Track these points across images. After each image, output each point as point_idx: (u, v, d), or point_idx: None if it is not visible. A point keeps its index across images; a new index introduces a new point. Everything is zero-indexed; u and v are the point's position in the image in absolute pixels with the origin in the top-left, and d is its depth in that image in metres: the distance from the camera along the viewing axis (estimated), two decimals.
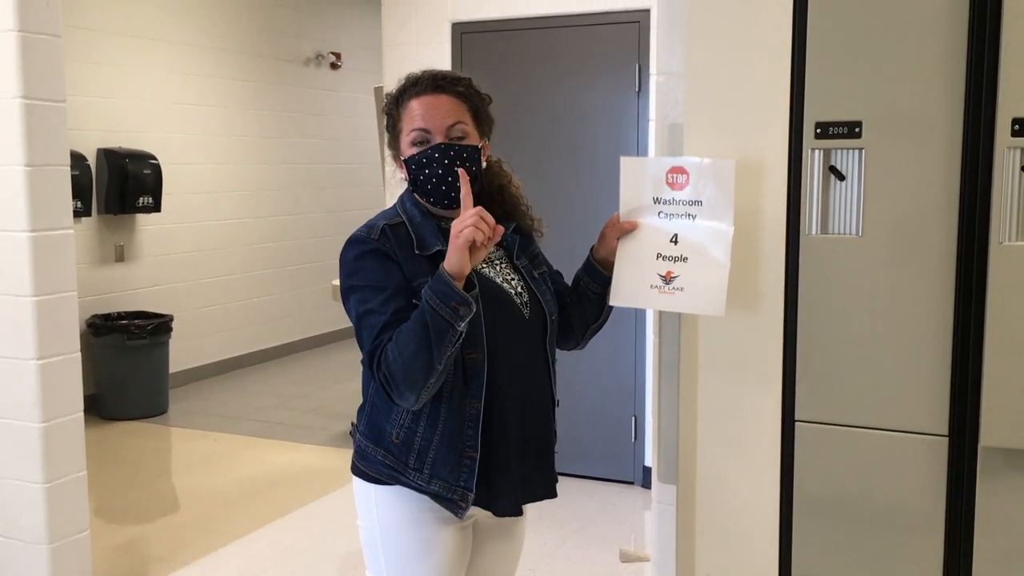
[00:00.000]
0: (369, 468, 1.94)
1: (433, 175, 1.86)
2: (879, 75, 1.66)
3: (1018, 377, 1.61)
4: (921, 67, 1.64)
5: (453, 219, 1.93)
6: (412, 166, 1.88)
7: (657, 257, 1.84)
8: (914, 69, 1.64)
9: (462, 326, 1.74)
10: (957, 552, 1.71)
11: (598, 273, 2.01)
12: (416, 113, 1.88)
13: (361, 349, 1.84)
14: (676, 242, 1.83)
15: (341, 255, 1.89)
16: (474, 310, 1.75)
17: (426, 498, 1.89)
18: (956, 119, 1.63)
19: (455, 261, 1.73)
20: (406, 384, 1.76)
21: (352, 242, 1.88)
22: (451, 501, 1.88)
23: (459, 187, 1.85)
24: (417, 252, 1.86)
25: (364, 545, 2.01)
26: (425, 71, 1.93)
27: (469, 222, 1.73)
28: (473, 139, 1.91)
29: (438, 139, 1.87)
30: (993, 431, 1.64)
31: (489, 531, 2.05)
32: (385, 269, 1.84)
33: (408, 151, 1.89)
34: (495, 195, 2.03)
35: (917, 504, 1.72)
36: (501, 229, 1.80)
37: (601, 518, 4.35)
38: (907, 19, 1.64)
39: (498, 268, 1.96)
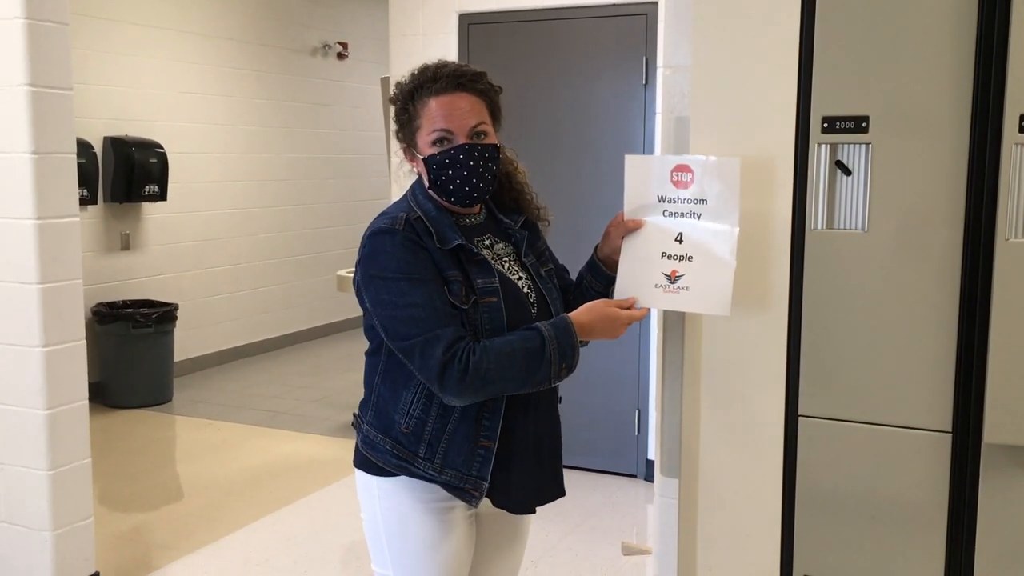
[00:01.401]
0: (376, 458, 1.93)
1: (457, 176, 1.85)
2: (887, 70, 1.65)
3: (1022, 374, 1.61)
4: (929, 62, 1.63)
5: (467, 215, 1.93)
6: (433, 166, 1.86)
7: (662, 256, 1.83)
8: (922, 64, 1.63)
9: (553, 383, 1.84)
10: (959, 548, 1.71)
11: (601, 272, 2.00)
12: (437, 113, 1.85)
13: (387, 338, 1.82)
14: (681, 241, 1.82)
15: (369, 246, 1.85)
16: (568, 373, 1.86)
17: (433, 489, 1.89)
18: (963, 114, 1.62)
19: (601, 330, 1.85)
20: (483, 393, 1.79)
21: (380, 233, 1.84)
22: (463, 490, 1.87)
23: (480, 187, 1.86)
24: (438, 246, 1.84)
25: (368, 538, 2.00)
26: (440, 65, 1.89)
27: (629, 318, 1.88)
28: (492, 138, 1.90)
29: (460, 140, 1.85)
30: (997, 428, 1.63)
31: (493, 523, 2.05)
32: (419, 260, 1.81)
33: (428, 150, 1.87)
34: (503, 183, 2.02)
35: (920, 500, 1.72)
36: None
37: (604, 511, 4.36)
38: (915, 14, 1.63)
39: (506, 266, 1.95)
